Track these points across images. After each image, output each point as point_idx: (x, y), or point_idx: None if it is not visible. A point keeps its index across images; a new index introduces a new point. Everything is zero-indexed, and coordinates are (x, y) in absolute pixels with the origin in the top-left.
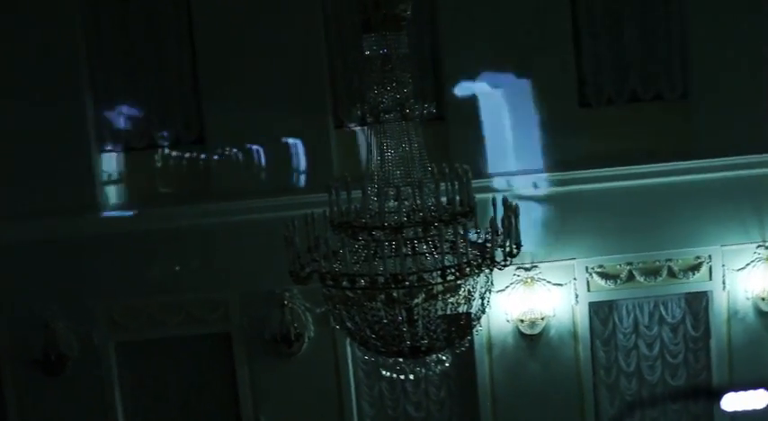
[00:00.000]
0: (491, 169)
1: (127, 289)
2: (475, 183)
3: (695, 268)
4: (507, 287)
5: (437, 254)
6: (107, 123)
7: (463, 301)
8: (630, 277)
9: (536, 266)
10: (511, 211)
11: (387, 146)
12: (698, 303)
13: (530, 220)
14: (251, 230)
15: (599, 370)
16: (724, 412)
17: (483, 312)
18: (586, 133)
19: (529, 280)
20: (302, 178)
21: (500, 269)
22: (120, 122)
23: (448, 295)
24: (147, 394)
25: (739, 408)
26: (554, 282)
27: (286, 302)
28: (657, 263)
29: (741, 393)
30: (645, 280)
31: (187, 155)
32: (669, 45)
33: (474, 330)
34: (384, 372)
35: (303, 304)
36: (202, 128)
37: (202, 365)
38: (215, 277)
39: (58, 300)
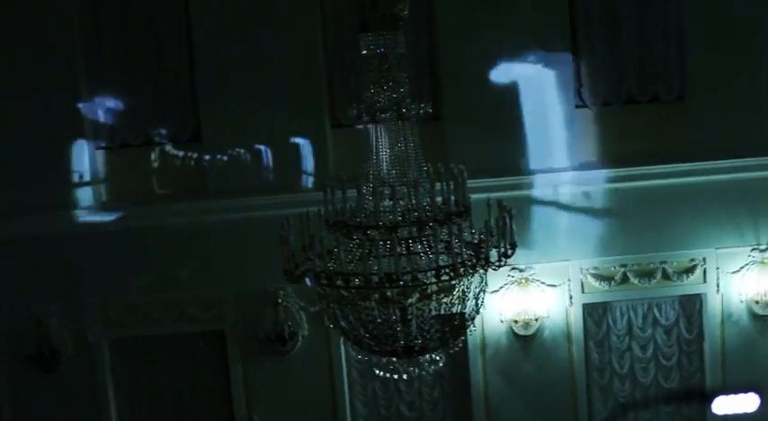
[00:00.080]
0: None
1: (121, 286)
2: (470, 183)
3: (689, 270)
4: (501, 288)
5: (432, 253)
6: (103, 121)
7: (457, 302)
8: (625, 279)
9: (530, 267)
10: (505, 212)
11: (382, 145)
12: (692, 306)
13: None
14: (246, 228)
15: (592, 371)
16: (716, 415)
17: (477, 312)
18: (583, 134)
19: (523, 281)
20: (298, 177)
21: (494, 270)
22: (117, 119)
23: (442, 295)
24: (141, 391)
25: (730, 412)
26: (548, 283)
27: (280, 301)
28: (652, 265)
29: (732, 396)
30: (639, 282)
31: (183, 153)
32: (666, 47)
33: (468, 330)
34: (377, 372)
35: (297, 303)
36: (198, 126)
37: (196, 363)
38: (209, 275)
39: (53, 297)
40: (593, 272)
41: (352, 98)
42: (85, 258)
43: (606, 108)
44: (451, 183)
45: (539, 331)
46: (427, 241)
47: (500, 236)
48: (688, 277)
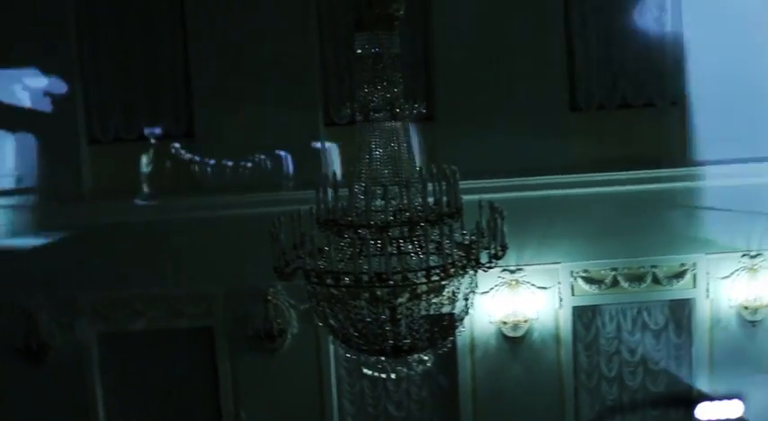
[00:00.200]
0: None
1: (111, 280)
2: (463, 184)
3: (679, 275)
4: (492, 289)
5: (422, 254)
6: (96, 114)
7: (447, 302)
8: (615, 282)
9: (521, 269)
10: (497, 214)
11: (375, 144)
12: (681, 310)
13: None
14: (237, 225)
15: (580, 374)
16: None
17: (466, 313)
18: (576, 137)
19: (513, 282)
20: (290, 175)
21: (485, 271)
22: (110, 114)
23: (432, 295)
24: (128, 386)
25: (714, 418)
26: (538, 286)
27: (270, 298)
28: (642, 269)
29: (717, 403)
30: (629, 285)
31: (176, 148)
32: (661, 51)
33: (457, 331)
34: (366, 371)
35: (287, 300)
36: (192, 122)
37: (184, 359)
38: (199, 271)
39: (42, 290)
40: (584, 275)
41: (346, 97)
42: (76, 251)
43: (600, 111)
44: (443, 183)
45: (528, 333)
46: (418, 241)
47: (491, 237)
48: (678, 282)
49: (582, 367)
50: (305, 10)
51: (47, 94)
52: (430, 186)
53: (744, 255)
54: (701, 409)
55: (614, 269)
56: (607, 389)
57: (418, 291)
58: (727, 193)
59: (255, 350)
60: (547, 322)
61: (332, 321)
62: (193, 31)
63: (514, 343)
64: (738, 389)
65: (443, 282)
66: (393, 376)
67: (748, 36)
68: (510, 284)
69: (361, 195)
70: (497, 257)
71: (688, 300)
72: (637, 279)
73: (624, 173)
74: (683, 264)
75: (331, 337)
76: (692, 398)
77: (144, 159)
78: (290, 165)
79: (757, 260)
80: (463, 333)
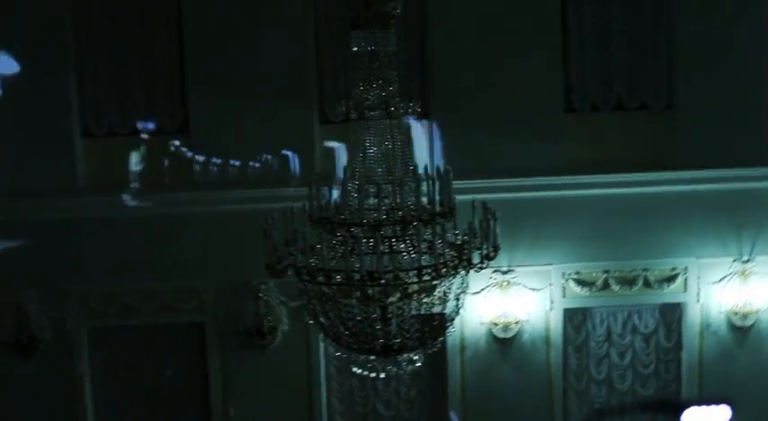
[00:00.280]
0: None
1: (103, 274)
2: (457, 183)
3: (671, 279)
4: (483, 289)
5: (414, 253)
6: (90, 108)
7: (438, 302)
8: (606, 285)
9: (512, 270)
10: (489, 214)
11: (370, 143)
12: (671, 314)
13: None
14: (229, 221)
15: (570, 376)
16: None
17: (457, 314)
18: (570, 139)
19: (505, 283)
20: (283, 171)
21: (476, 271)
22: (104, 107)
23: (423, 295)
24: (118, 380)
25: None
26: (530, 287)
27: (261, 295)
28: (634, 272)
29: (705, 408)
30: (620, 288)
31: (169, 143)
32: (657, 55)
33: (447, 331)
34: (355, 369)
35: (278, 297)
36: (186, 117)
37: (174, 354)
38: (191, 266)
39: (33, 283)
40: (575, 277)
41: (342, 95)
42: (67, 245)
43: (594, 113)
44: (437, 183)
45: (518, 334)
46: (410, 240)
47: (483, 238)
48: (669, 286)
49: (571, 369)
50: (302, 7)
51: (42, 86)
52: (423, 185)
53: (735, 261)
54: (689, 414)
55: (606, 271)
56: (596, 391)
57: (409, 290)
58: (720, 198)
59: (246, 346)
60: (537, 324)
61: (323, 319)
62: (189, 25)
63: (504, 344)
64: (727, 395)
65: (435, 282)
66: (382, 375)
67: (744, 41)
68: (501, 285)
69: (354, 193)
70: (489, 258)
71: (679, 304)
72: (628, 282)
73: (617, 175)
74: (674, 268)
75: (321, 335)
76: (680, 403)
77: (135, 154)
78: (283, 163)
79: (748, 265)
80: (453, 333)
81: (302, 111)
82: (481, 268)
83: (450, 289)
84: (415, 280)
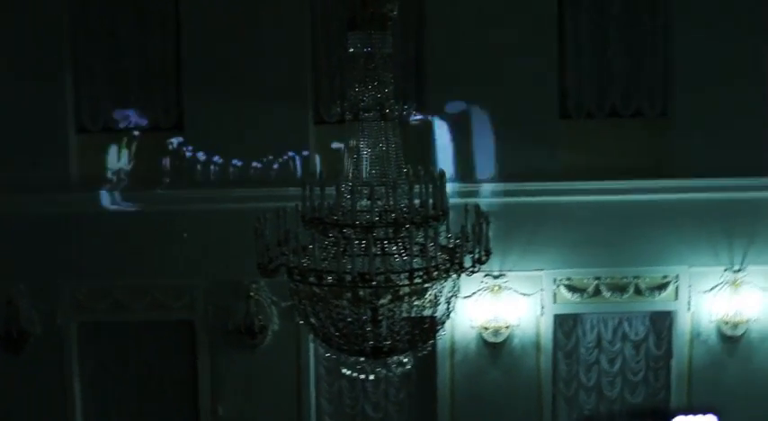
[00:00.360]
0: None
1: (94, 270)
2: (449, 187)
3: (662, 287)
4: (474, 293)
5: (406, 255)
6: (85, 103)
7: (429, 305)
8: (597, 292)
9: (504, 275)
10: (482, 219)
11: (364, 144)
12: (662, 322)
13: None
14: (221, 219)
15: (559, 382)
16: None
17: (448, 317)
18: (565, 145)
19: (496, 288)
20: (277, 171)
21: (468, 275)
22: (99, 103)
23: (414, 298)
24: (107, 376)
25: None
26: (521, 292)
27: (252, 294)
28: (625, 279)
29: (692, 417)
30: (611, 295)
31: (163, 140)
32: (652, 63)
33: (437, 335)
34: (345, 371)
35: (269, 297)
36: (181, 114)
37: (164, 352)
38: (182, 264)
39: (24, 277)
40: (567, 283)
41: (337, 95)
42: (58, 240)
43: (589, 120)
44: (430, 186)
45: (508, 339)
46: (402, 243)
47: (475, 241)
48: (660, 294)
49: (561, 375)
50: (299, 6)
51: (37, 81)
52: (417, 188)
53: (726, 270)
54: None
55: (597, 278)
56: (585, 398)
57: (401, 292)
58: (713, 207)
59: (235, 345)
60: (528, 329)
61: (313, 320)
62: (186, 23)
63: (495, 348)
64: (715, 404)
65: (426, 285)
66: (372, 377)
67: (739, 50)
68: (493, 290)
69: (347, 194)
70: (481, 262)
71: (669, 312)
72: (619, 289)
73: (611, 182)
74: (665, 276)
75: (311, 336)
76: (668, 411)
77: (131, 149)
78: (277, 162)
79: (740, 275)
80: (444, 336)
81: (297, 111)
82: (473, 272)
83: (441, 292)
84: (407, 282)
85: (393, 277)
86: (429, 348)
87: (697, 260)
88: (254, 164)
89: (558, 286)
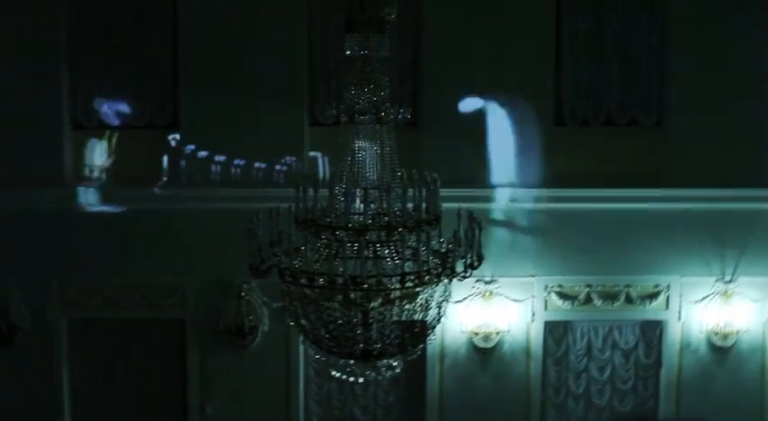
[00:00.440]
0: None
1: (85, 266)
2: (443, 191)
3: (653, 296)
4: (465, 298)
5: (398, 259)
6: (82, 100)
7: (420, 309)
8: (588, 299)
9: (495, 280)
10: (475, 224)
11: (359, 147)
12: (652, 332)
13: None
14: (214, 219)
15: (548, 389)
16: None
17: (438, 322)
18: (560, 152)
19: (487, 293)
20: (272, 172)
21: (460, 280)
22: (95, 100)
23: (405, 301)
24: (95, 373)
25: None
26: (512, 298)
27: (243, 294)
28: (616, 287)
29: None
30: (602, 303)
31: (159, 138)
32: (648, 72)
33: (428, 339)
34: (334, 373)
35: (260, 297)
36: (177, 113)
37: (153, 350)
38: (174, 263)
39: (15, 272)
40: (558, 290)
41: (333, 97)
42: (51, 236)
43: (584, 127)
44: (424, 190)
45: (498, 345)
46: (395, 246)
47: (468, 247)
48: (651, 303)
49: (550, 382)
50: (296, 7)
51: (33, 76)
52: (410, 192)
53: (718, 280)
54: None
55: (588, 286)
56: (574, 405)
57: (392, 296)
58: (705, 217)
59: (225, 345)
60: (518, 335)
61: (304, 321)
62: (184, 21)
63: (484, 354)
64: (703, 414)
65: (417, 289)
66: (361, 380)
67: (735, 62)
68: (484, 295)
69: (341, 197)
70: (473, 267)
71: (660, 321)
72: (610, 297)
73: (604, 190)
74: (656, 286)
75: (302, 337)
76: (657, 420)
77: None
78: (272, 162)
79: (731, 286)
80: (434, 341)
81: (293, 112)
82: (464, 277)
83: (432, 296)
84: (398, 286)
85: (385, 280)
86: (419, 352)
87: (688, 270)
88: (249, 164)
89: (549, 293)
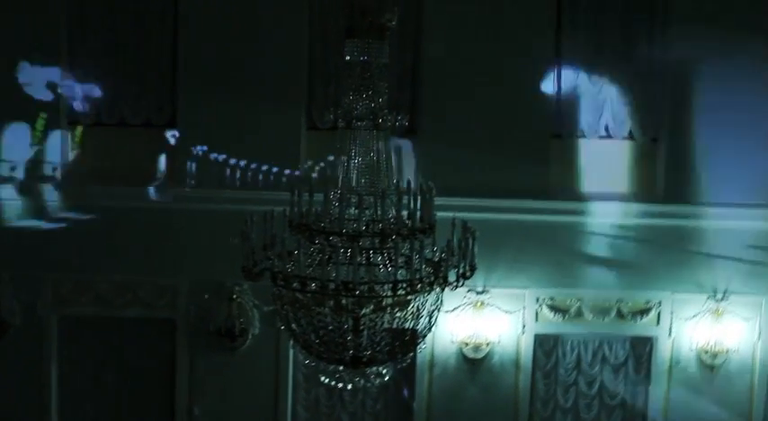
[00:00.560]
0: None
1: (78, 263)
2: (438, 200)
3: (644, 312)
4: (456, 308)
5: (391, 266)
6: (79, 96)
7: (411, 317)
8: (579, 313)
9: (487, 291)
10: (469, 234)
11: (355, 153)
12: (642, 347)
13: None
14: (209, 220)
15: (536, 402)
16: None
17: (429, 330)
18: (555, 164)
19: (479, 303)
20: (267, 175)
21: (452, 290)
22: (93, 97)
23: (396, 309)
24: (84, 371)
25: None
26: (503, 309)
27: (235, 296)
28: (608, 302)
29: None
30: (593, 318)
31: (155, 137)
32: (647, 88)
33: (418, 347)
34: (323, 379)
35: (252, 300)
36: (175, 113)
37: (143, 349)
38: (167, 262)
39: (7, 267)
40: (549, 302)
41: (331, 102)
42: (46, 231)
43: (581, 140)
44: (419, 198)
45: (488, 355)
46: (388, 254)
47: (461, 256)
48: (642, 318)
49: (539, 395)
50: (297, 11)
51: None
52: (405, 200)
53: (709, 298)
54: None
55: (580, 299)
56: (562, 419)
57: (383, 303)
58: (698, 234)
59: (215, 347)
60: (508, 346)
61: (294, 326)
62: (185, 21)
63: (474, 364)
64: None
65: (409, 297)
66: (350, 386)
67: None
68: (475, 305)
69: (335, 202)
70: (465, 277)
71: (650, 337)
72: (601, 312)
73: (599, 204)
74: (648, 301)
75: (292, 342)
76: None
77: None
78: (268, 166)
79: (722, 304)
80: (424, 350)
81: (290, 115)
82: (456, 287)
83: (424, 305)
84: (390, 293)
85: (377, 287)
86: (408, 361)
87: (680, 287)
88: (245, 165)
89: (540, 305)
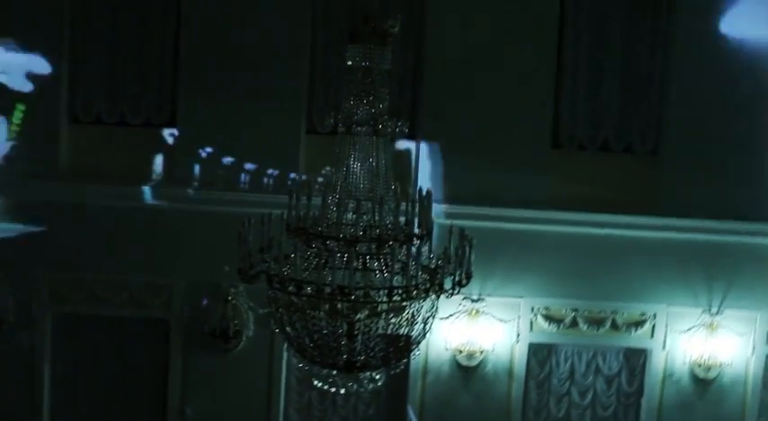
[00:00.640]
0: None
1: (75, 262)
2: (436, 207)
3: (639, 324)
4: (451, 315)
5: (387, 272)
6: (80, 93)
7: (405, 323)
8: (574, 323)
9: (483, 299)
10: (466, 241)
11: (354, 158)
12: (636, 359)
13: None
14: (206, 221)
15: (529, 411)
16: None
17: (423, 337)
18: (555, 174)
19: (474, 311)
20: (266, 177)
21: (447, 297)
22: (94, 95)
23: (391, 315)
24: (77, 368)
25: None
26: (498, 318)
27: (230, 298)
28: (602, 313)
29: None
30: (587, 328)
31: (155, 137)
32: (648, 100)
33: (412, 354)
34: (316, 382)
35: (247, 302)
36: (174, 112)
37: (137, 348)
38: (163, 262)
39: (3, 264)
40: (544, 312)
41: (331, 107)
42: (42, 229)
43: (580, 152)
44: (417, 205)
45: (482, 364)
46: (384, 259)
47: (457, 264)
48: (636, 330)
49: (531, 404)
50: (300, 14)
51: (33, 69)
52: (403, 206)
53: (704, 312)
54: None
55: (575, 310)
56: None
57: (378, 309)
58: (695, 248)
59: (209, 348)
60: (502, 355)
61: (289, 329)
62: (186, 21)
63: (467, 372)
64: None
65: (404, 303)
66: (342, 391)
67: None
68: (470, 313)
69: (333, 207)
70: (461, 285)
71: (644, 349)
72: (596, 322)
73: (596, 215)
74: (643, 314)
75: (286, 345)
76: None
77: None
78: (266, 168)
79: (717, 318)
80: (418, 356)
81: (290, 118)
82: (452, 294)
83: (419, 311)
84: (385, 299)
85: (372, 293)
86: (402, 367)
87: (676, 300)
88: (244, 167)
89: (535, 315)
